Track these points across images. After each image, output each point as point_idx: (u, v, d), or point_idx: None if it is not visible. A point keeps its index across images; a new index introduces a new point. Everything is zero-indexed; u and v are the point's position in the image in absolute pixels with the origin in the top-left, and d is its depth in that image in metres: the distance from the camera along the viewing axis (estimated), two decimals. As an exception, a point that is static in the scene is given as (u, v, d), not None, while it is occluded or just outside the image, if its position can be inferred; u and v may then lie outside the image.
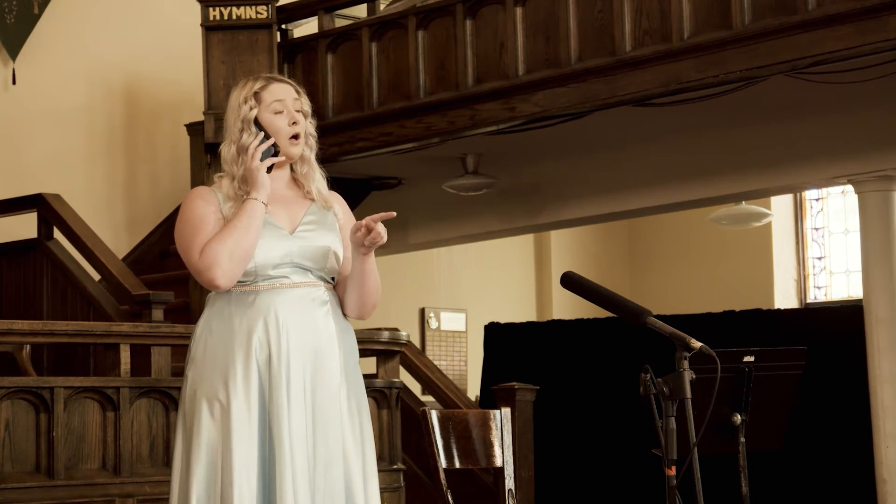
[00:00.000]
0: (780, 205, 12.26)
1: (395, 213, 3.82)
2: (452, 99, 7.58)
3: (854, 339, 8.05)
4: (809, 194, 12.44)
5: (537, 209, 9.36)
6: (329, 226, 3.84)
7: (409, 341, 6.93)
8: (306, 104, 3.89)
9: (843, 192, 12.10)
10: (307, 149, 3.89)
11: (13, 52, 8.78)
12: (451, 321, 12.18)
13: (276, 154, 3.81)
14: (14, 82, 8.79)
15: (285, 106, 3.82)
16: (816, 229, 12.55)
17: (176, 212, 9.34)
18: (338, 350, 3.78)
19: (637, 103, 7.40)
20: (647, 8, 6.86)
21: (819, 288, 12.53)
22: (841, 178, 8.19)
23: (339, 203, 3.92)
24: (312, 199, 3.87)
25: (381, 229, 3.72)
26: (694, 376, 3.41)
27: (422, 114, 7.67)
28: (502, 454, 4.76)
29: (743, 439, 4.09)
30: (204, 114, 8.10)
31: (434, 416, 4.66)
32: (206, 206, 3.77)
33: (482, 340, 10.65)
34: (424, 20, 7.70)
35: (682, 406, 3.39)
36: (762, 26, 6.49)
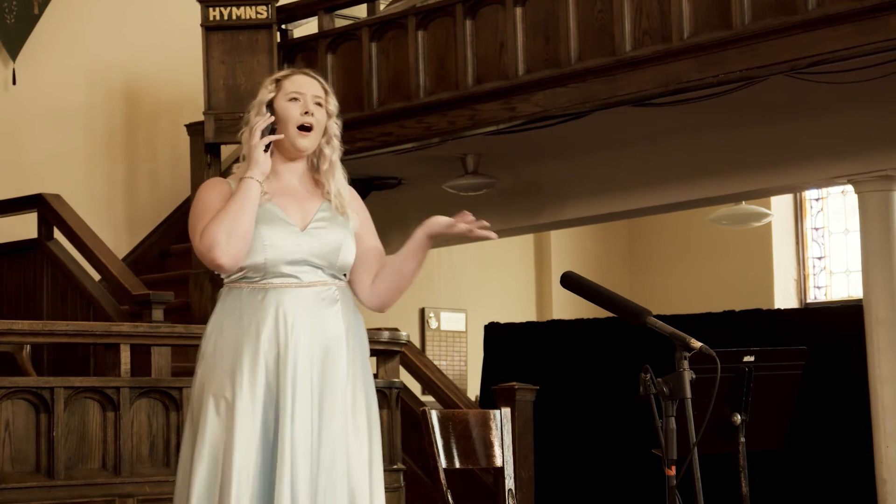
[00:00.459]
0: (780, 205, 12.26)
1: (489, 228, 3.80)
2: (452, 99, 7.58)
3: (854, 339, 8.04)
4: (809, 194, 12.44)
5: (537, 209, 9.36)
6: (341, 223, 3.84)
7: (409, 341, 6.94)
8: (332, 104, 3.89)
9: (843, 192, 12.10)
10: (328, 148, 3.88)
11: (13, 53, 8.79)
12: (451, 321, 12.18)
13: (272, 132, 3.81)
14: (14, 82, 8.79)
15: (303, 96, 3.83)
16: (816, 229, 12.55)
17: (176, 212, 9.41)
18: (346, 349, 3.78)
19: (637, 103, 7.40)
20: (646, 8, 6.86)
21: (819, 288, 12.53)
22: (841, 178, 8.18)
23: (354, 206, 3.91)
24: (327, 199, 3.87)
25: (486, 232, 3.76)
26: (694, 376, 3.41)
27: (422, 114, 7.68)
28: (502, 454, 4.76)
29: (743, 439, 4.10)
30: (204, 114, 8.11)
31: (434, 416, 4.66)
32: (216, 195, 3.80)
33: (482, 340, 10.65)
34: (424, 20, 7.70)
35: (682, 406, 3.40)
36: (762, 26, 6.49)
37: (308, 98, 3.83)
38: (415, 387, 8.65)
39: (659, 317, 3.58)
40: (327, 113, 3.87)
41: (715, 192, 8.71)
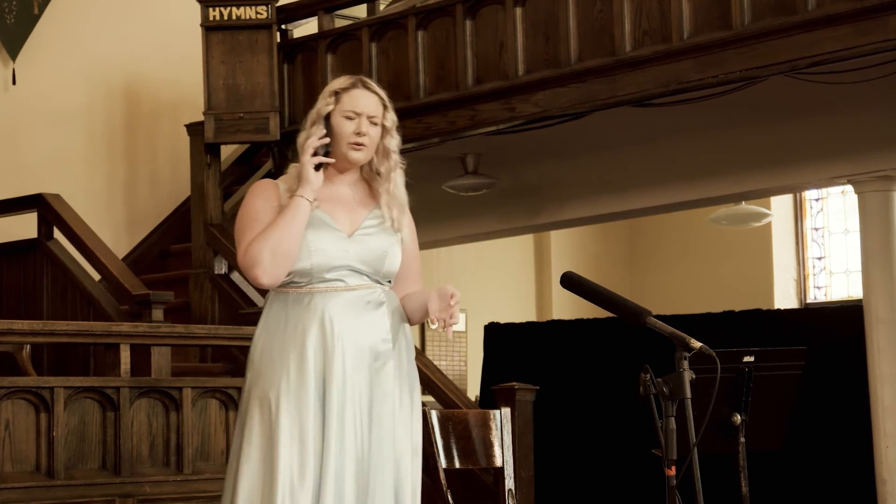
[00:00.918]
0: (780, 205, 12.27)
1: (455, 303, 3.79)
2: (452, 99, 7.58)
3: (854, 339, 8.04)
4: (809, 194, 12.44)
5: (537, 209, 9.36)
6: (389, 231, 3.85)
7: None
8: (389, 120, 3.87)
9: (842, 192, 12.10)
10: (388, 163, 3.88)
11: (13, 53, 8.79)
12: (450, 321, 12.17)
13: (326, 154, 3.80)
14: (14, 82, 8.79)
15: (358, 117, 3.81)
16: (816, 229, 12.55)
17: (176, 212, 9.41)
18: (393, 351, 3.80)
19: (637, 103, 7.40)
20: (646, 8, 6.86)
21: (819, 288, 12.53)
22: (841, 178, 8.18)
23: (403, 222, 3.91)
24: (378, 206, 3.87)
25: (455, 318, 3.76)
26: (694, 376, 3.41)
27: (422, 114, 7.67)
28: (502, 454, 4.76)
29: (743, 439, 4.10)
30: (204, 114, 8.10)
31: (434, 416, 4.67)
32: (263, 202, 3.79)
33: (482, 340, 10.65)
34: (424, 20, 7.70)
35: (681, 406, 3.40)
36: (762, 26, 6.49)
37: (363, 119, 3.81)
38: (415, 387, 8.64)
39: (659, 317, 3.58)
40: (383, 128, 3.86)
41: (715, 193, 8.72)
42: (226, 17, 8.05)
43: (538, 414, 6.94)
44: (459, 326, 12.13)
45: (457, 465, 4.67)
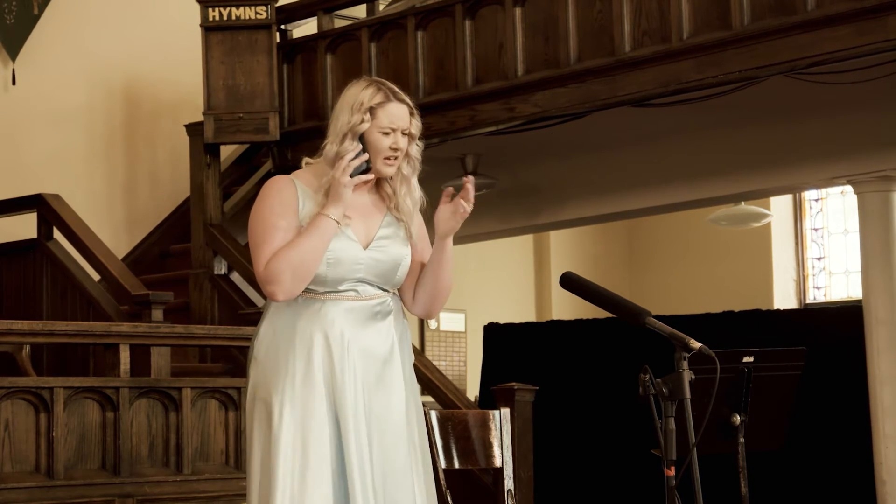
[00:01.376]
0: (780, 205, 12.26)
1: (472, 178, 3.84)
2: (452, 99, 7.58)
3: (853, 339, 8.04)
4: (809, 195, 12.44)
5: (537, 209, 9.35)
6: (402, 239, 3.84)
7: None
8: (416, 126, 3.86)
9: (842, 192, 12.10)
10: (408, 168, 3.87)
11: (13, 53, 8.79)
12: (450, 321, 12.18)
13: (366, 171, 3.76)
14: (14, 83, 8.79)
15: (395, 132, 3.79)
16: (816, 230, 12.55)
17: (175, 212, 9.41)
18: (399, 360, 3.80)
19: (636, 104, 7.40)
20: (646, 8, 6.86)
21: (818, 288, 12.53)
22: (840, 178, 8.18)
23: (415, 220, 3.90)
24: (388, 210, 3.86)
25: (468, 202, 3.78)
26: (693, 377, 3.41)
27: (421, 114, 7.64)
28: (501, 454, 4.76)
29: (742, 440, 4.10)
30: (203, 114, 8.11)
31: (433, 417, 4.67)
32: (281, 206, 3.73)
33: (481, 341, 10.64)
34: (424, 21, 7.70)
35: (681, 406, 3.40)
36: (761, 27, 6.49)
37: (398, 133, 3.81)
38: (414, 387, 8.64)
39: (658, 317, 3.59)
40: (410, 136, 3.85)
41: (714, 193, 8.71)
42: (225, 18, 8.05)
43: (537, 414, 6.94)
44: (459, 327, 12.16)
45: (456, 465, 4.67)
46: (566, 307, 12.12)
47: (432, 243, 3.90)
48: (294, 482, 3.63)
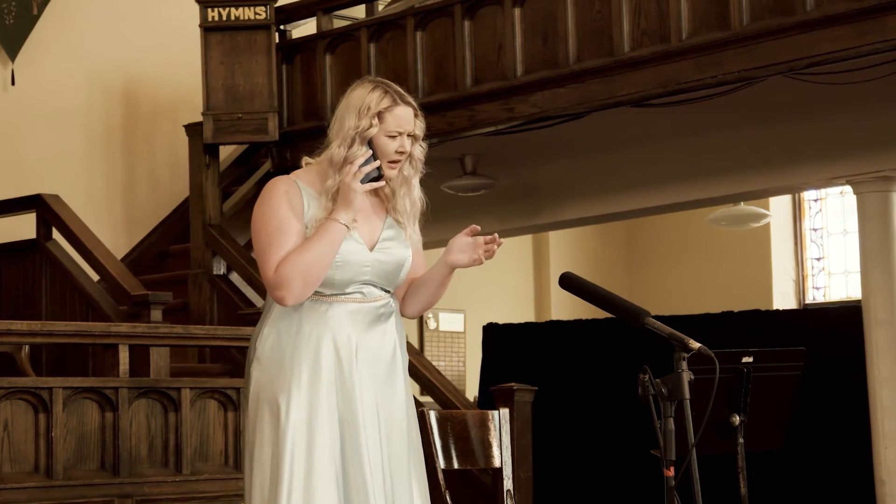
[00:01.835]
0: (779, 205, 12.26)
1: (498, 238, 3.87)
2: (451, 99, 7.58)
3: (853, 340, 8.04)
4: (808, 195, 12.44)
5: (536, 210, 9.36)
6: (404, 241, 3.85)
7: (407, 342, 6.92)
8: (419, 127, 3.85)
9: (841, 192, 12.10)
10: (410, 169, 3.86)
11: (12, 53, 8.79)
12: (449, 322, 12.18)
13: (378, 178, 3.75)
14: (13, 83, 8.79)
15: (401, 135, 3.78)
16: (815, 230, 12.55)
17: (175, 212, 9.41)
18: (400, 361, 3.82)
19: (635, 104, 7.40)
20: (645, 8, 6.86)
21: (818, 289, 12.53)
22: (839, 178, 8.18)
23: (415, 233, 3.91)
24: (392, 214, 3.86)
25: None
26: (692, 377, 3.41)
27: (420, 114, 7.67)
28: (501, 455, 4.76)
29: (741, 440, 4.10)
30: (203, 114, 8.11)
31: (432, 417, 4.67)
32: (287, 208, 3.70)
33: (480, 341, 10.65)
34: (423, 21, 7.70)
35: (680, 407, 3.40)
36: (760, 27, 6.49)
37: (404, 136, 3.79)
38: (413, 387, 8.63)
39: (657, 317, 3.58)
40: (414, 138, 3.84)
41: (713, 193, 8.72)
42: (224, 18, 8.05)
43: (537, 414, 6.94)
44: (458, 327, 12.15)
45: (455, 465, 4.67)
46: (565, 307, 12.12)
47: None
48: (300, 482, 3.63)
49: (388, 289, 3.82)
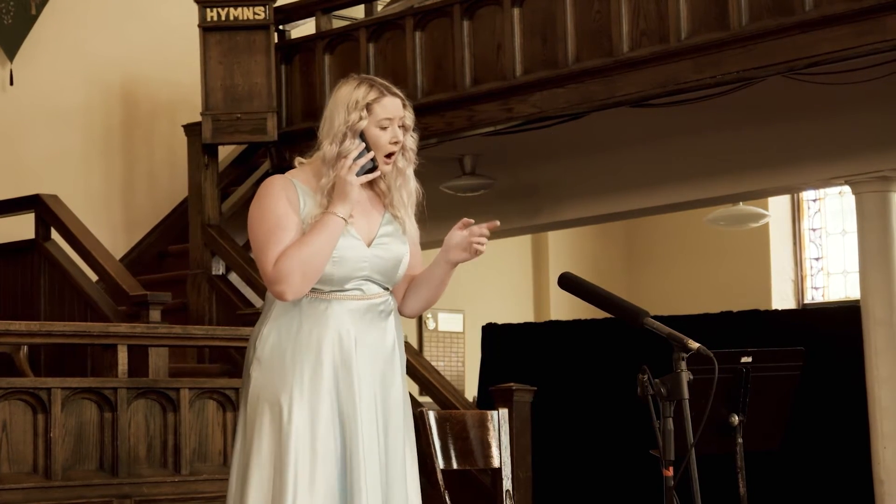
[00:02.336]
0: (778, 206, 12.27)
1: (498, 223, 3.84)
2: (450, 100, 7.58)
3: (852, 340, 8.04)
4: (807, 195, 12.44)
5: (535, 210, 9.35)
6: (401, 236, 3.86)
7: (406, 342, 6.92)
8: (409, 118, 3.85)
9: (840, 192, 12.10)
10: (404, 160, 3.86)
11: (11, 53, 8.78)
12: (448, 322, 12.18)
13: (372, 170, 3.75)
14: (11, 83, 8.79)
15: (391, 123, 3.78)
16: (814, 230, 12.56)
17: (174, 212, 9.41)
18: (399, 359, 3.81)
19: (635, 104, 7.40)
20: (644, 9, 6.86)
21: (816, 289, 12.53)
22: (838, 178, 8.18)
23: (412, 230, 3.91)
24: (389, 210, 3.86)
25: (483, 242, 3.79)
26: (691, 377, 3.41)
27: (419, 114, 7.57)
28: (500, 455, 4.76)
29: (740, 440, 4.10)
30: (201, 114, 8.11)
31: (432, 417, 4.66)
32: (286, 206, 3.71)
33: (480, 341, 10.64)
34: (422, 21, 7.70)
35: (679, 407, 3.40)
36: (759, 27, 6.49)
37: (395, 124, 3.79)
38: (412, 387, 8.63)
39: (656, 318, 3.58)
40: (405, 128, 3.84)
41: (712, 193, 8.71)
42: (223, 18, 8.05)
43: (536, 415, 6.94)
44: (457, 327, 12.15)
45: (454, 465, 4.67)
46: (564, 307, 12.12)
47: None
48: (304, 487, 3.62)
49: (387, 286, 3.82)
